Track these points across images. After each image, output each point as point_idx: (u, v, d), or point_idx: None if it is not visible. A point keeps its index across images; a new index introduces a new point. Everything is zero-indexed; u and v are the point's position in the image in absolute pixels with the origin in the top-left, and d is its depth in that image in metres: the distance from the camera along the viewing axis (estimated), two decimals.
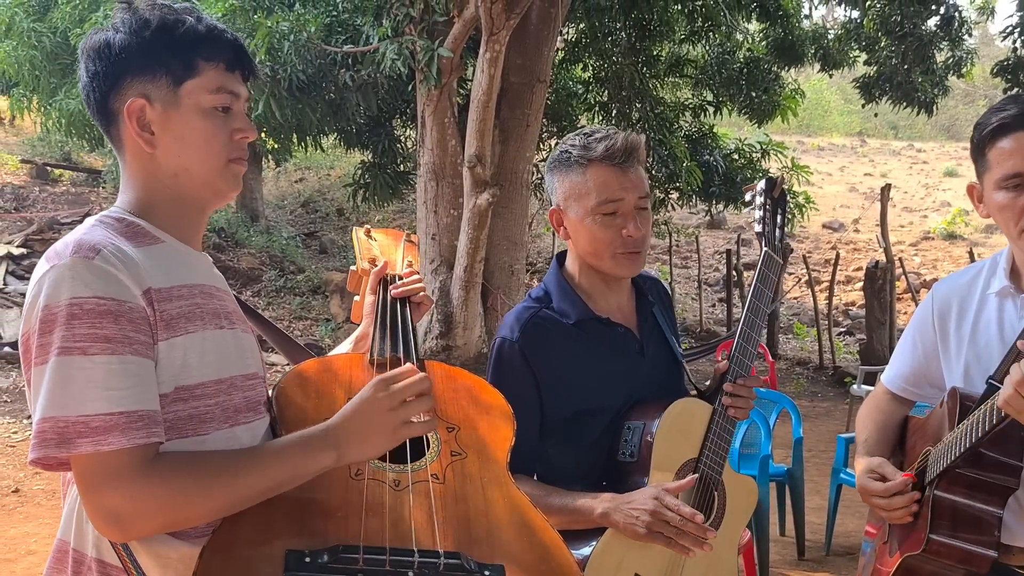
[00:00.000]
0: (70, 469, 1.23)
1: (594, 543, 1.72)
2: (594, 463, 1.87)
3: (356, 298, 1.82)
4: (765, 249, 1.99)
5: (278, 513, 1.27)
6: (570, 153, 1.85)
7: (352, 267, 1.86)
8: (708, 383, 1.96)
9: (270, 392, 1.47)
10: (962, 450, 1.64)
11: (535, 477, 1.87)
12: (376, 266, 1.79)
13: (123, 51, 1.32)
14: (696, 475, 1.81)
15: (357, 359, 1.58)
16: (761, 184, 2.10)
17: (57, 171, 14.85)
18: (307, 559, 1.20)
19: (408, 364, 1.42)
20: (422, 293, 1.74)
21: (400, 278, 1.77)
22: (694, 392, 1.98)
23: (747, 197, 2.14)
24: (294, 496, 1.29)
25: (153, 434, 1.21)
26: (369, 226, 1.98)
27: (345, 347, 1.75)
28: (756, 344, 1.90)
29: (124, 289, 1.23)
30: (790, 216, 10.32)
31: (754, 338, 1.90)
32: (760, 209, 2.06)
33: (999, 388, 1.61)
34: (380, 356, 1.56)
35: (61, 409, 1.18)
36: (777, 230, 2.04)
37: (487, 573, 1.27)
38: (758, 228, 2.04)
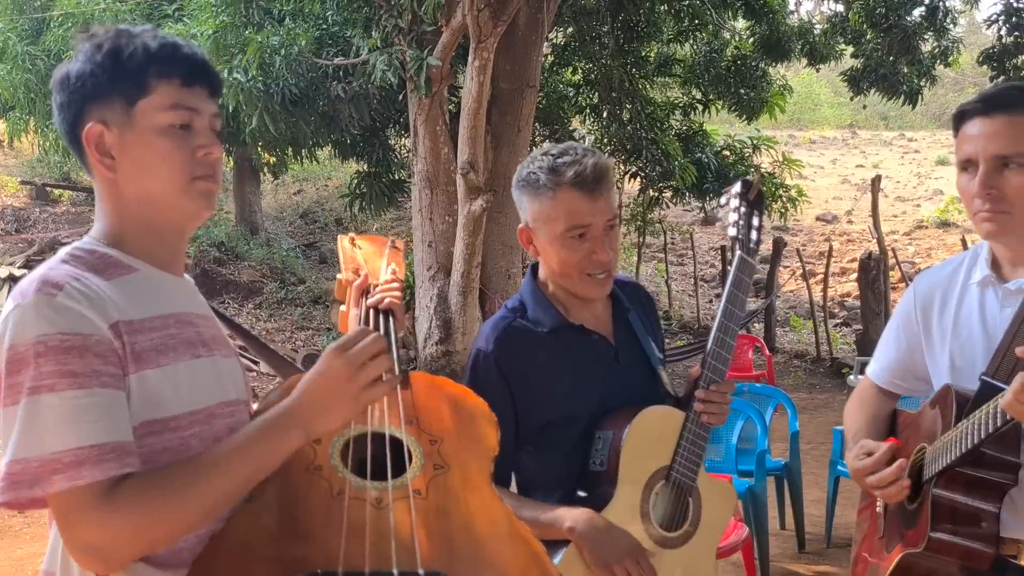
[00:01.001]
0: (42, 507, 1.21)
1: (563, 551, 1.74)
2: (570, 472, 1.86)
3: (342, 308, 1.80)
4: (739, 253, 1.93)
5: (258, 540, 1.26)
6: (538, 176, 1.82)
7: (339, 275, 1.83)
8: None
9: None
10: (964, 450, 1.62)
11: (512, 487, 1.88)
12: (359, 276, 1.76)
13: (79, 79, 1.30)
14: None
15: None
16: (736, 187, 2.03)
17: (56, 191, 14.91)
18: None
19: (361, 327, 1.39)
20: (388, 299, 1.68)
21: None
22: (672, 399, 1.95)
23: (722, 200, 2.06)
24: (275, 520, 1.28)
25: (126, 464, 1.19)
26: (353, 234, 1.94)
27: None
28: (731, 349, 1.87)
29: (88, 323, 1.20)
30: (783, 210, 10.37)
31: (728, 343, 1.86)
32: (735, 212, 1.98)
33: (995, 386, 1.62)
34: None
35: (32, 450, 1.16)
36: (753, 232, 1.96)
37: None
38: (732, 232, 1.97)
